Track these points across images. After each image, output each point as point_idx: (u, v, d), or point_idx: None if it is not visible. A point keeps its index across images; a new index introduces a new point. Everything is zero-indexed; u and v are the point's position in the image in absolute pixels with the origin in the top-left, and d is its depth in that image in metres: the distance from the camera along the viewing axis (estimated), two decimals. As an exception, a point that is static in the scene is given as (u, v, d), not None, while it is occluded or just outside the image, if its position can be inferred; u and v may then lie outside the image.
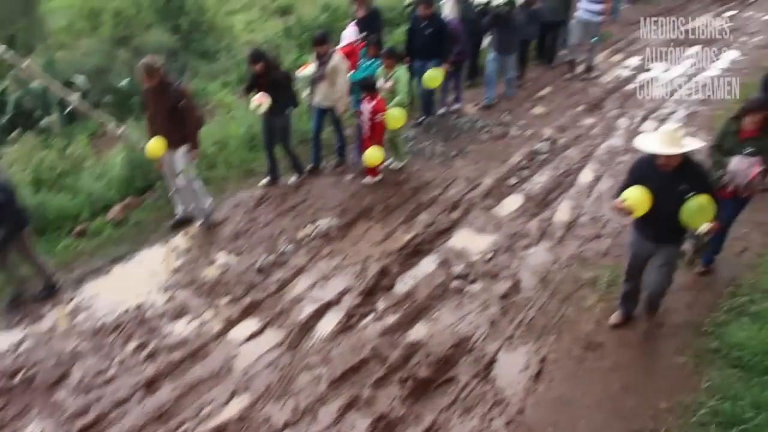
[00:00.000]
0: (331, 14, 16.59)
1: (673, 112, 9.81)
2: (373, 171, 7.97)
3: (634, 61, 12.00)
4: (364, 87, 7.64)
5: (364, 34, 8.72)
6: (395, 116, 7.56)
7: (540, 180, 7.96)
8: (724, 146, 5.61)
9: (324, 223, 7.19)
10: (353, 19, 9.35)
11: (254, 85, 7.52)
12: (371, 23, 9.06)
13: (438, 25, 8.77)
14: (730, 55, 12.24)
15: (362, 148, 7.90)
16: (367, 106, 7.64)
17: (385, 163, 8.13)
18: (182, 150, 6.91)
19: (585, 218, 7.17)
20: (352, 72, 8.08)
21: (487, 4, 9.28)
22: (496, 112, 9.70)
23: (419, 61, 8.91)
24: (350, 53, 8.34)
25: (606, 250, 6.57)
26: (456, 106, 9.76)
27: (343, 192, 7.82)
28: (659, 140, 4.59)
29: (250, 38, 33.11)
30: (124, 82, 14.10)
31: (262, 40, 25.48)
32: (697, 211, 4.56)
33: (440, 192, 7.74)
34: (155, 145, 6.83)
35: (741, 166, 5.39)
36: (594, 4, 10.65)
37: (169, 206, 7.61)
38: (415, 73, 8.93)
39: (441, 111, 9.63)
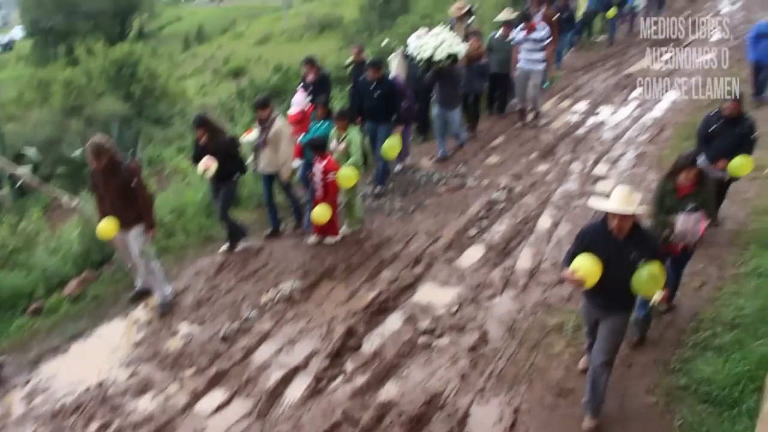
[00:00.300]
0: (282, 75, 16.78)
1: (623, 154, 10.06)
2: (324, 229, 7.88)
3: (582, 105, 12.34)
4: (314, 147, 7.62)
5: (311, 98, 8.73)
6: (347, 175, 7.51)
7: (499, 229, 8.04)
8: (664, 206, 5.63)
9: (287, 286, 7.12)
10: (302, 82, 9.40)
11: (199, 151, 7.39)
12: (321, 87, 9.10)
13: (388, 87, 8.76)
14: (672, 96, 12.65)
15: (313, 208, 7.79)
16: (318, 167, 7.60)
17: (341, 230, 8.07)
18: (136, 230, 6.69)
19: (547, 264, 7.25)
20: (302, 136, 8.10)
21: (429, 60, 9.34)
22: (451, 164, 9.82)
23: (370, 123, 8.93)
24: (301, 119, 8.37)
25: (569, 296, 6.63)
26: (402, 166, 9.72)
27: (304, 253, 7.77)
28: (614, 201, 4.53)
29: (204, 102, 33.33)
30: (76, 153, 13.99)
31: (215, 103, 25.70)
32: (649, 280, 4.49)
33: (402, 247, 7.75)
34: (106, 226, 6.60)
35: (689, 224, 5.42)
36: (534, 53, 10.78)
37: (127, 278, 7.46)
38: (366, 134, 8.91)
39: (397, 168, 9.65)
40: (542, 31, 10.74)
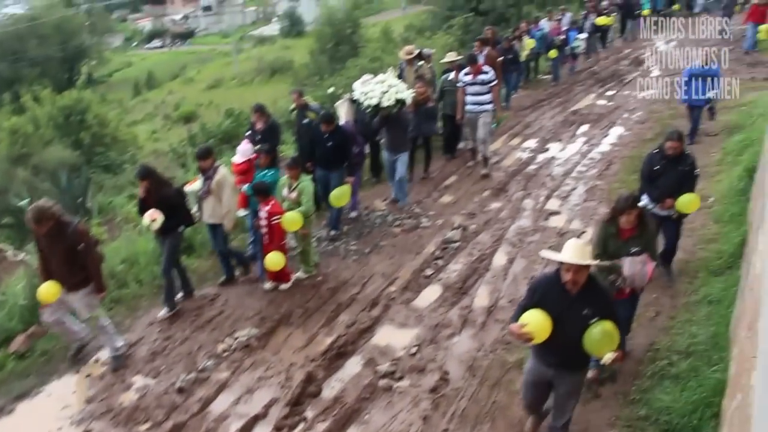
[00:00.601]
0: (234, 120, 16.74)
1: (573, 189, 10.27)
2: (277, 275, 7.79)
3: (532, 143, 12.60)
4: (257, 192, 7.57)
5: (258, 147, 8.62)
6: (291, 219, 7.43)
7: (455, 268, 8.08)
8: (608, 250, 5.52)
9: (243, 333, 7.01)
10: (250, 130, 9.31)
11: (144, 203, 7.23)
12: (270, 135, 9.02)
13: (340, 137, 8.83)
14: (617, 131, 13.04)
15: (264, 255, 7.68)
16: (263, 211, 7.54)
17: (295, 275, 8.00)
18: (82, 293, 6.44)
19: (504, 301, 7.30)
20: (248, 185, 8.02)
21: (377, 105, 9.41)
22: (408, 197, 9.87)
23: (321, 171, 8.97)
24: (247, 169, 8.26)
25: (527, 332, 6.65)
26: (357, 213, 9.68)
27: (260, 300, 7.67)
28: (567, 252, 4.39)
29: (155, 147, 33.08)
30: (23, 202, 13.60)
31: (167, 148, 25.51)
32: (602, 339, 4.29)
33: (358, 290, 7.72)
34: (48, 290, 6.30)
35: (635, 268, 5.36)
36: (481, 96, 10.74)
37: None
38: (317, 181, 8.83)
39: (352, 215, 9.61)
40: (489, 73, 10.79)
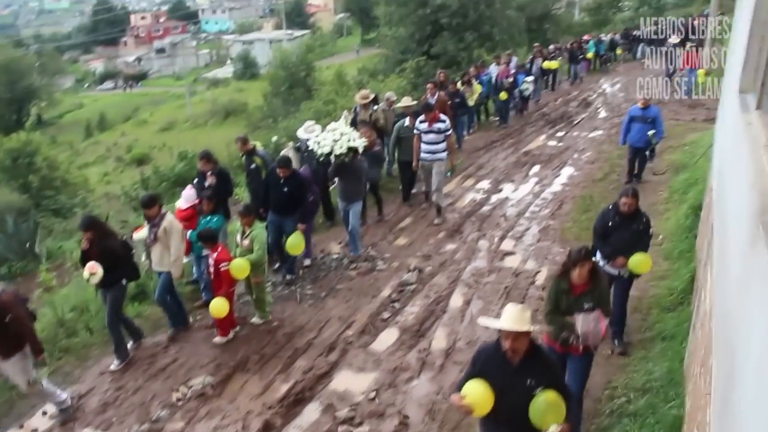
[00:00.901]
0: (188, 163, 16.60)
1: (527, 229, 10.40)
2: (223, 326, 7.60)
3: (485, 184, 12.76)
4: (203, 239, 7.45)
5: (202, 193, 8.49)
6: (239, 266, 7.29)
7: (412, 310, 8.05)
8: (560, 307, 5.36)
9: (198, 381, 6.84)
10: (198, 177, 9.13)
11: (86, 255, 7.00)
12: (219, 183, 8.78)
13: (296, 183, 8.72)
14: (568, 171, 13.32)
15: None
16: (210, 258, 7.42)
17: (234, 330, 7.78)
18: (17, 357, 6.08)
19: (461, 343, 7.29)
20: (190, 232, 7.91)
21: (329, 154, 9.24)
22: (360, 247, 9.85)
23: (276, 216, 8.86)
24: (191, 215, 8.16)
25: (485, 373, 6.66)
26: (310, 260, 9.53)
27: (214, 347, 7.51)
28: (505, 319, 4.21)
29: (107, 190, 32.56)
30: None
31: (119, 191, 25.11)
32: (547, 410, 4.05)
33: (315, 335, 7.63)
34: None
35: (589, 325, 5.13)
36: (436, 144, 10.58)
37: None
38: (270, 227, 8.76)
39: (306, 263, 9.44)
40: (445, 122, 10.66)
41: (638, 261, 6.52)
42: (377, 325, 7.77)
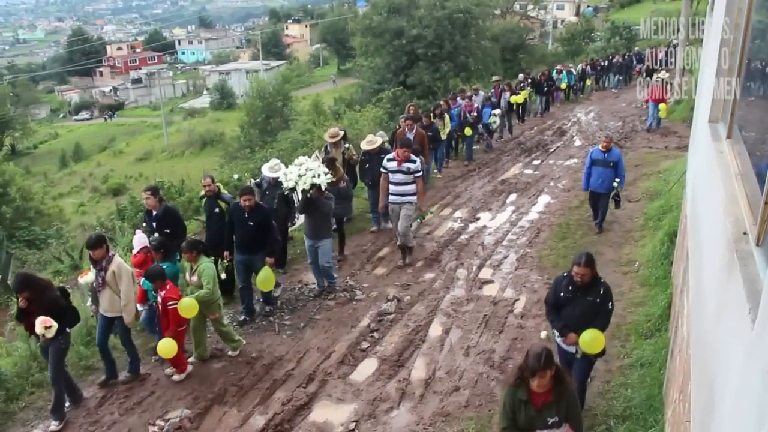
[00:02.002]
0: (165, 192, 16.48)
1: (505, 257, 10.42)
2: (178, 364, 7.40)
3: (463, 212, 12.80)
4: (150, 278, 7.25)
5: (155, 233, 8.25)
6: (186, 306, 7.08)
7: (392, 340, 8.00)
8: (518, 423, 4.58)
9: (176, 414, 6.71)
10: (146, 215, 8.77)
11: (24, 313, 6.58)
12: (166, 222, 8.41)
13: (262, 216, 8.37)
14: (544, 199, 13.43)
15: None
16: (159, 296, 7.25)
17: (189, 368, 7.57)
18: None
19: (441, 372, 7.25)
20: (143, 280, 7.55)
21: (293, 189, 8.88)
22: (338, 277, 9.80)
23: (243, 255, 8.52)
24: (143, 261, 7.76)
25: (467, 402, 6.66)
26: (278, 292, 9.28)
27: (192, 379, 7.38)
28: None
29: (83, 221, 32.19)
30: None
31: (95, 222, 24.83)
32: None
33: (294, 366, 7.54)
34: None
35: None
36: (404, 186, 9.91)
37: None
38: (238, 266, 8.61)
39: (277, 293, 9.20)
40: (416, 162, 9.95)
41: (589, 339, 5.59)
42: (356, 356, 7.71)
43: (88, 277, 7.36)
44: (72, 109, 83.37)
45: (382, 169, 10.10)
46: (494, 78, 22.73)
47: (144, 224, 8.81)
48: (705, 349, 3.70)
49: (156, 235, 8.24)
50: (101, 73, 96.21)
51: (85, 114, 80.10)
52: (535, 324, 8.15)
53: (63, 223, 29.78)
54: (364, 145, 11.43)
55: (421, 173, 10.05)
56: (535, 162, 16.88)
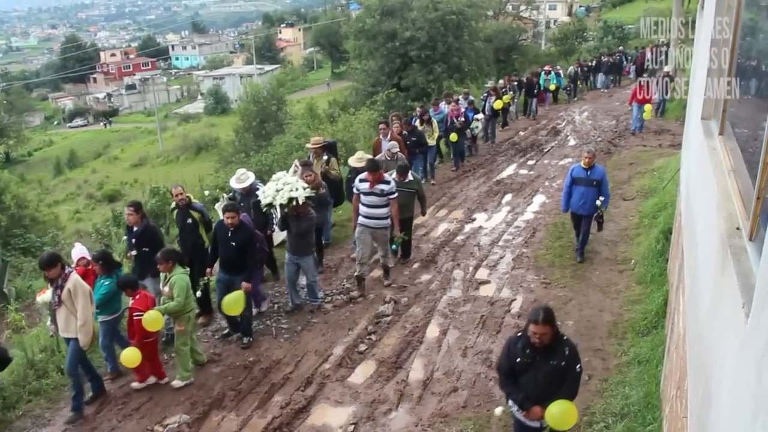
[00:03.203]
0: (161, 198, 16.45)
1: (501, 257, 10.44)
2: (141, 373, 7.35)
3: (458, 213, 12.81)
4: (122, 285, 7.21)
5: (135, 249, 8.11)
6: (151, 319, 6.94)
7: (389, 342, 8.01)
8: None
9: (174, 420, 6.71)
10: (127, 230, 8.51)
11: None
12: (145, 240, 8.13)
13: (245, 236, 7.99)
14: (540, 199, 13.45)
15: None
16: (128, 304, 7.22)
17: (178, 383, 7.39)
18: None
19: (439, 373, 7.26)
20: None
21: (270, 205, 8.57)
22: (336, 279, 9.80)
23: (225, 275, 8.16)
24: (83, 275, 7.38)
25: (465, 402, 6.67)
26: (265, 307, 9.06)
27: (190, 384, 7.38)
28: None
29: (78, 228, 32.13)
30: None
31: (90, 229, 24.78)
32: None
33: (292, 369, 7.54)
34: None
35: None
36: (377, 209, 9.20)
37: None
38: (219, 284, 8.31)
39: (264, 308, 9.02)
40: (390, 183, 9.29)
41: (558, 413, 4.70)
42: (354, 358, 7.71)
43: (45, 295, 7.23)
44: (66, 116, 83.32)
45: (354, 189, 9.47)
46: (487, 84, 22.71)
47: (124, 239, 8.68)
48: (701, 344, 3.71)
49: (134, 252, 8.13)
50: (95, 80, 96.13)
51: (81, 121, 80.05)
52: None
53: (58, 231, 29.70)
54: (353, 162, 10.86)
55: (395, 195, 9.28)
56: (530, 162, 16.90)
